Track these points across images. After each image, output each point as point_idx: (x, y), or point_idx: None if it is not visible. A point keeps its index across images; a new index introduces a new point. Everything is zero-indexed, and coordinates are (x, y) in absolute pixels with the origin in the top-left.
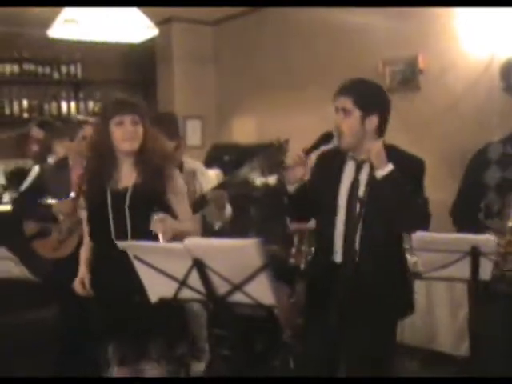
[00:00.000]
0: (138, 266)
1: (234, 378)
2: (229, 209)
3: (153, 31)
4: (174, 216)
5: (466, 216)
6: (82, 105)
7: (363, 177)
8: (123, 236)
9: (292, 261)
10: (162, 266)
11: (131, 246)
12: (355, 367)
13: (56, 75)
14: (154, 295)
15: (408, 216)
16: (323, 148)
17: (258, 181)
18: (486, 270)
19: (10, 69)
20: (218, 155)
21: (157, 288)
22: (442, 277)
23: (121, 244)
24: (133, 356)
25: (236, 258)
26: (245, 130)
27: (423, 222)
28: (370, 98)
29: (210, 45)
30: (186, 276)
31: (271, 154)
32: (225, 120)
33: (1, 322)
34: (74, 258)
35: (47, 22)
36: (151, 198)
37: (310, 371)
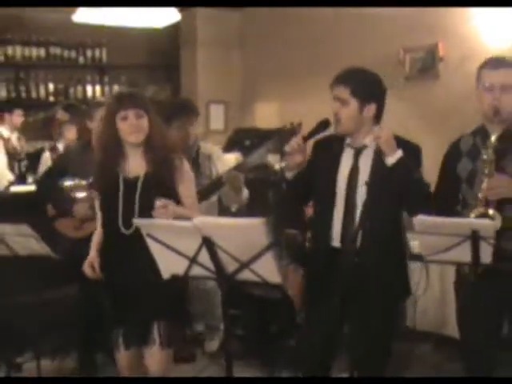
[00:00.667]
0: (150, 243)
1: (233, 377)
2: (245, 191)
3: (176, 16)
4: (181, 203)
5: (445, 208)
6: (106, 88)
7: (363, 163)
8: (130, 223)
9: (308, 244)
10: (174, 243)
11: (145, 224)
12: (357, 352)
13: (81, 59)
14: (166, 272)
15: (415, 200)
16: (321, 135)
17: (278, 165)
18: (487, 254)
19: (36, 53)
20: (239, 139)
21: (169, 265)
22: (444, 260)
23: (136, 221)
24: (137, 339)
25: (243, 236)
26: (267, 116)
27: (427, 205)
28: (367, 87)
29: (234, 30)
30: (196, 254)
31: (284, 137)
32: (248, 105)
33: (23, 300)
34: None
35: (74, 6)
36: (161, 186)
37: (312, 353)
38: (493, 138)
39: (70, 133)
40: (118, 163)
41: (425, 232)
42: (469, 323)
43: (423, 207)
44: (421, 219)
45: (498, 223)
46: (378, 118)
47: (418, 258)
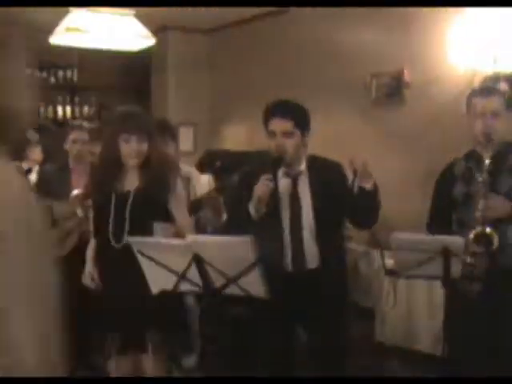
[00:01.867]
0: (141, 259)
1: (232, 377)
2: (224, 214)
3: (151, 40)
4: (173, 220)
5: (440, 228)
6: (77, 109)
7: (302, 189)
8: (121, 236)
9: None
10: (164, 260)
11: (136, 242)
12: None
13: (52, 80)
14: (155, 287)
15: (368, 216)
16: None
17: None
18: (458, 269)
19: None
20: (210, 161)
21: (158, 280)
22: (418, 275)
23: (128, 239)
24: (130, 347)
25: (231, 253)
26: (236, 137)
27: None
28: (305, 118)
29: (204, 53)
30: (186, 270)
31: (261, 160)
32: (217, 127)
33: None
34: (73, 257)
35: (45, 27)
36: (152, 202)
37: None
38: (487, 161)
39: (36, 154)
40: (115, 180)
41: (399, 248)
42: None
43: (373, 221)
44: (396, 236)
45: (496, 241)
46: (307, 145)
47: (393, 273)
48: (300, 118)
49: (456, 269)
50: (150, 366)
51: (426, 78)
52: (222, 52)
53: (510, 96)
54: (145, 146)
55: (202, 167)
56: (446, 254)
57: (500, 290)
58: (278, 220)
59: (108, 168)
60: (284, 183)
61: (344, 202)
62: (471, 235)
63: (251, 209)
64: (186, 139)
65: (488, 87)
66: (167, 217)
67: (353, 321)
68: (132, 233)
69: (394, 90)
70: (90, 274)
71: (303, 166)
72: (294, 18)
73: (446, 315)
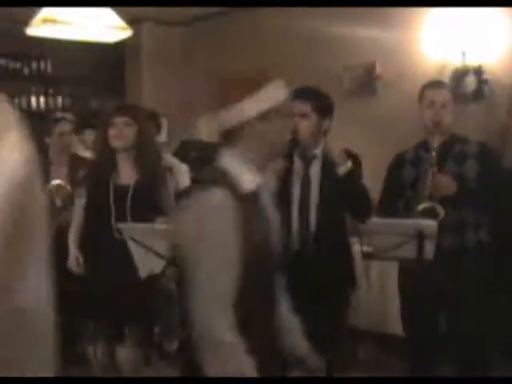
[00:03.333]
0: (131, 245)
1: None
2: None
3: (127, 32)
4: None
5: (389, 210)
6: (51, 100)
7: (314, 172)
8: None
9: None
10: (153, 245)
11: (128, 229)
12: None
13: (26, 71)
14: (144, 271)
15: (358, 205)
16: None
17: None
18: (430, 251)
19: None
20: (186, 151)
21: (147, 265)
22: (393, 257)
23: (120, 226)
24: (109, 335)
25: None
26: (209, 129)
27: (368, 210)
28: (323, 104)
29: (178, 45)
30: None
31: None
32: (190, 118)
33: None
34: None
35: (19, 17)
36: (151, 194)
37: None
38: (435, 144)
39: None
40: (109, 169)
41: (376, 232)
42: (412, 319)
43: (364, 212)
44: (374, 220)
45: (441, 215)
46: (326, 132)
47: (369, 256)
48: (318, 102)
49: (428, 251)
50: (124, 355)
51: (396, 70)
52: (197, 44)
53: (477, 88)
54: (131, 130)
55: (179, 157)
56: (421, 237)
57: (445, 267)
58: (288, 198)
59: (100, 158)
60: (298, 164)
61: (351, 195)
62: (419, 209)
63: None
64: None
65: (439, 81)
66: (162, 208)
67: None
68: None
69: (366, 81)
70: (75, 258)
71: (318, 151)
72: (268, 11)
73: (400, 295)
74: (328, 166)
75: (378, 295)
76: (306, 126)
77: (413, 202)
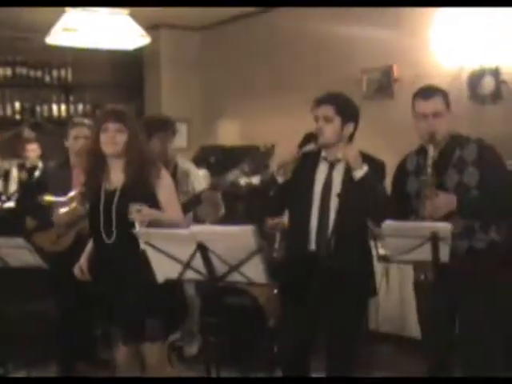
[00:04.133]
0: (148, 250)
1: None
2: (222, 208)
3: (145, 39)
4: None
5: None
6: (72, 107)
7: (336, 175)
8: (110, 230)
9: (275, 255)
10: (170, 250)
11: (144, 233)
12: (331, 345)
13: (47, 79)
14: (160, 276)
15: (377, 210)
16: (305, 148)
17: (243, 181)
18: (445, 253)
19: (3, 72)
20: (205, 156)
21: (164, 270)
22: (408, 260)
23: (136, 231)
24: (133, 336)
25: (234, 242)
26: (229, 133)
27: (385, 216)
28: (348, 108)
29: (196, 50)
30: (191, 258)
31: (258, 158)
32: (210, 123)
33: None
34: (70, 252)
35: (40, 27)
36: (139, 196)
37: (290, 355)
38: (429, 162)
39: (33, 151)
40: (101, 175)
41: (391, 235)
42: (428, 323)
43: (381, 215)
44: (387, 223)
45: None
46: (352, 136)
47: (385, 259)
48: (342, 107)
49: (444, 253)
50: (149, 353)
51: (414, 73)
52: (215, 49)
53: (494, 90)
54: (123, 136)
55: (197, 163)
56: (435, 239)
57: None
58: (309, 200)
59: (92, 162)
60: (322, 166)
61: (370, 200)
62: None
63: (276, 173)
64: (179, 135)
65: (429, 87)
66: (155, 205)
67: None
68: (119, 229)
69: (384, 84)
70: (79, 266)
71: (341, 154)
72: (286, 15)
73: (416, 299)
74: (350, 169)
75: (398, 298)
76: (329, 130)
77: (420, 210)
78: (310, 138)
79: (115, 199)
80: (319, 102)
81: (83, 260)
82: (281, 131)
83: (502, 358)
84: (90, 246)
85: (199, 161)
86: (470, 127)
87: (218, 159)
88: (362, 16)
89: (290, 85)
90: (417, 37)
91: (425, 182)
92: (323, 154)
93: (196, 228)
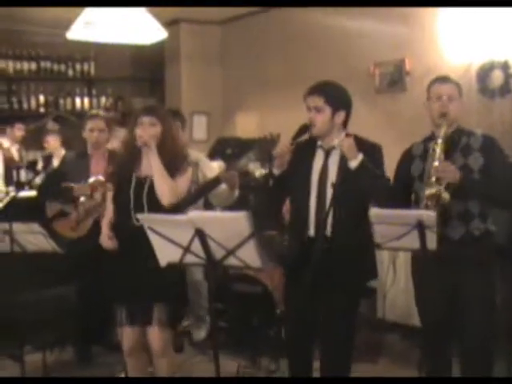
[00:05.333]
0: (150, 235)
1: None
2: (237, 191)
3: (163, 34)
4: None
5: (400, 202)
6: (94, 100)
7: (332, 162)
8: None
9: (286, 244)
10: (171, 235)
11: (147, 219)
12: (329, 328)
13: (70, 73)
14: (163, 260)
15: (378, 194)
16: (299, 139)
17: (258, 172)
18: (432, 241)
19: (27, 66)
20: (222, 148)
21: (166, 254)
22: (398, 247)
23: (139, 217)
24: (140, 318)
25: (229, 227)
26: (247, 125)
27: (390, 198)
28: (338, 97)
29: (216, 44)
30: (190, 243)
31: (264, 146)
32: (229, 116)
33: (24, 296)
34: (89, 238)
35: (63, 22)
36: None
37: (292, 332)
38: (443, 130)
39: (57, 142)
40: (134, 163)
41: (379, 222)
42: (425, 310)
43: (387, 199)
44: (374, 211)
45: (446, 200)
46: (345, 123)
47: (377, 246)
48: (331, 96)
49: (431, 241)
50: (154, 338)
51: (425, 67)
52: (233, 43)
53: (503, 84)
54: (156, 130)
55: (214, 154)
56: (421, 226)
57: (454, 257)
58: (307, 187)
59: (127, 153)
60: (318, 154)
61: (369, 187)
62: (425, 194)
63: (272, 165)
64: (199, 128)
65: (445, 76)
66: None
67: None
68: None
69: (396, 78)
70: (107, 234)
71: (336, 142)
72: (301, 9)
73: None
74: (345, 157)
75: (405, 287)
76: (320, 120)
77: (421, 193)
78: (304, 128)
79: (146, 186)
80: (309, 92)
81: (107, 230)
82: (297, 123)
83: (498, 344)
84: (106, 220)
85: (216, 152)
86: (479, 120)
87: (234, 151)
88: (374, 11)
89: (305, 78)
90: (427, 31)
91: (438, 145)
92: (319, 142)
93: (193, 214)
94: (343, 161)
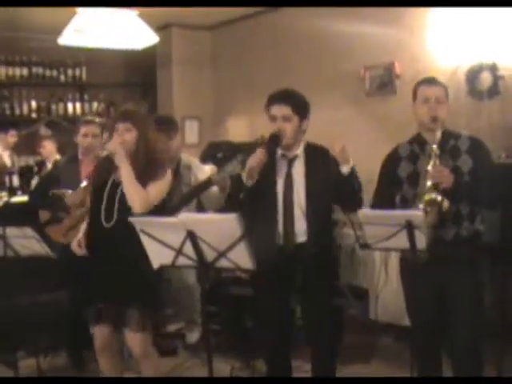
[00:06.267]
0: (143, 237)
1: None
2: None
3: (154, 38)
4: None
5: (385, 205)
6: (86, 106)
7: (296, 171)
8: (110, 216)
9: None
10: (162, 237)
11: (138, 221)
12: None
13: (62, 78)
14: (156, 262)
15: (352, 198)
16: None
17: None
18: (421, 241)
19: (19, 72)
20: (213, 152)
21: (158, 256)
22: (387, 247)
23: (132, 220)
24: (113, 316)
25: (220, 229)
26: (239, 129)
27: (361, 200)
28: (302, 106)
29: (207, 49)
30: (182, 245)
31: (251, 150)
32: (220, 120)
33: (17, 302)
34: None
35: (54, 28)
36: None
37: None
38: (438, 134)
39: (49, 148)
40: (110, 170)
41: (368, 223)
42: (415, 311)
43: (358, 203)
44: (364, 212)
45: (446, 206)
46: (305, 131)
47: (367, 247)
48: (298, 105)
49: (420, 241)
50: (133, 343)
51: (415, 70)
52: (224, 48)
53: (492, 86)
54: (131, 135)
55: (206, 158)
56: (410, 227)
57: (445, 259)
58: (273, 197)
59: (105, 159)
60: (281, 164)
61: (331, 185)
62: (425, 199)
63: (243, 177)
64: (190, 132)
65: (432, 78)
66: None
67: (349, 301)
68: (119, 215)
69: (386, 81)
70: (78, 241)
71: (300, 150)
72: (292, 13)
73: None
74: (311, 164)
75: (397, 288)
76: (289, 129)
77: (411, 195)
78: (275, 139)
79: (118, 190)
80: (274, 101)
81: (81, 237)
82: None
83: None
84: (84, 226)
85: (207, 156)
86: (468, 122)
87: (225, 155)
88: (364, 14)
89: (295, 83)
90: (416, 34)
91: (433, 150)
92: (281, 151)
93: (184, 216)
94: (309, 167)
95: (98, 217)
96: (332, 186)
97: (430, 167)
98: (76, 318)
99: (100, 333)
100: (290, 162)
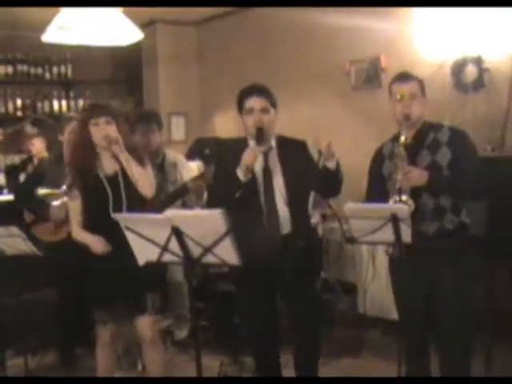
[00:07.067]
0: (128, 234)
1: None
2: (205, 196)
3: (139, 35)
4: None
5: (378, 199)
6: (72, 103)
7: (272, 163)
8: (120, 209)
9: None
10: (148, 233)
11: (123, 218)
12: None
13: (48, 75)
14: (141, 259)
15: (334, 189)
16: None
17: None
18: (407, 234)
19: (4, 70)
20: (200, 148)
21: (143, 253)
22: (373, 241)
23: (115, 216)
24: (129, 311)
25: (206, 225)
26: (226, 125)
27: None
28: (274, 99)
29: (192, 45)
30: (167, 242)
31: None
32: (207, 116)
33: (6, 300)
34: (68, 242)
35: (39, 25)
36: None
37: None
38: (402, 138)
39: (38, 146)
40: (94, 163)
41: (354, 217)
42: (403, 306)
43: (338, 190)
44: (350, 206)
45: (411, 207)
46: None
47: (352, 240)
48: (272, 98)
49: (405, 234)
50: (146, 327)
51: (400, 63)
52: (210, 43)
53: (477, 79)
54: (113, 127)
55: (193, 155)
56: (395, 220)
57: (430, 253)
58: (255, 190)
59: (84, 152)
60: (260, 157)
61: (309, 175)
62: (390, 202)
63: (239, 173)
64: (177, 128)
65: (406, 73)
66: None
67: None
68: (129, 204)
69: (372, 75)
70: (97, 240)
71: (273, 143)
72: (278, 8)
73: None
74: (286, 155)
75: (385, 283)
76: (268, 121)
77: (391, 193)
78: (262, 133)
79: (120, 181)
80: (253, 94)
81: (92, 236)
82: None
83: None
84: (83, 229)
85: (194, 153)
86: (454, 114)
87: (212, 151)
88: (349, 8)
89: (280, 78)
90: (402, 28)
91: (398, 154)
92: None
93: (169, 212)
94: (284, 159)
95: (102, 212)
96: (308, 176)
97: (398, 174)
98: (67, 315)
99: (106, 331)
100: (266, 155)
